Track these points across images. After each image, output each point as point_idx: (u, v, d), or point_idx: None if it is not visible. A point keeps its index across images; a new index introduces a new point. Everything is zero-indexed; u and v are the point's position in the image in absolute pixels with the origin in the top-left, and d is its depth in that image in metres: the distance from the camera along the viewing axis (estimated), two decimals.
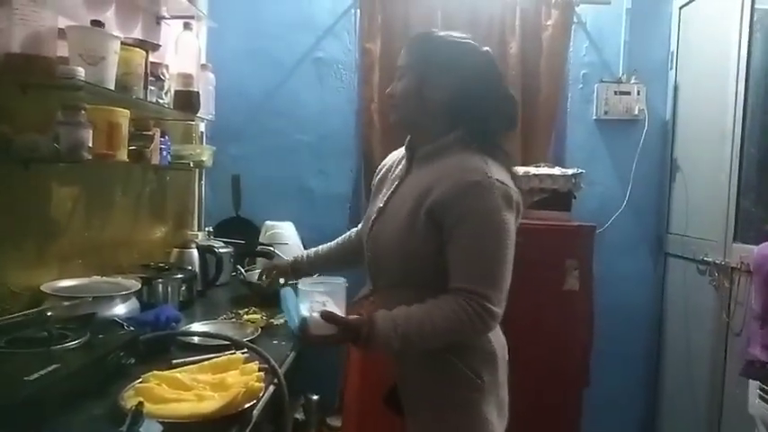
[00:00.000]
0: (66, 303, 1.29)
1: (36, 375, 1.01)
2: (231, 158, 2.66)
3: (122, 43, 1.66)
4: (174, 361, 1.32)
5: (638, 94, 2.74)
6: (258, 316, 1.78)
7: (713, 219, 2.34)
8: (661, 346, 2.80)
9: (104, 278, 1.65)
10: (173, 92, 2.05)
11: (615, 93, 2.75)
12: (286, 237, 2.45)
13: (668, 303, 2.77)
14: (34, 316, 1.14)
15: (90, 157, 1.50)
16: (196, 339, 1.49)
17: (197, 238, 2.24)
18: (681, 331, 2.64)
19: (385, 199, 1.30)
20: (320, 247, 1.68)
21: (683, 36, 2.73)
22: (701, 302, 2.43)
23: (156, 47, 1.95)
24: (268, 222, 2.52)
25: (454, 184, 1.14)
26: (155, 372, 1.19)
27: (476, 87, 1.22)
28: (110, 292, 1.50)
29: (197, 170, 2.56)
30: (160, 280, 1.74)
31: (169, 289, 1.74)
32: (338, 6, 2.75)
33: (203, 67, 2.34)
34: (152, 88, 1.86)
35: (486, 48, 1.28)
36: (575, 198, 2.42)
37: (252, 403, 1.12)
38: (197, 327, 1.62)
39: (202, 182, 2.71)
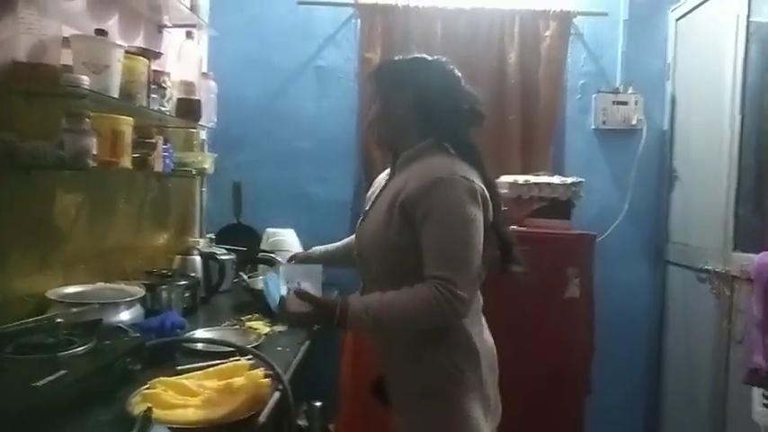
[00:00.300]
0: (74, 310, 1.29)
1: (44, 381, 1.01)
2: (232, 166, 2.67)
3: (125, 52, 1.67)
4: (179, 367, 1.33)
5: (636, 104, 2.77)
6: (261, 323, 1.79)
7: (712, 227, 2.35)
8: (662, 354, 2.81)
9: (109, 284, 1.65)
10: (175, 100, 2.06)
11: (613, 103, 2.78)
12: (287, 244, 2.45)
13: (668, 311, 2.78)
14: (44, 322, 1.14)
15: (94, 165, 1.51)
16: (200, 346, 1.49)
17: (199, 244, 2.24)
18: (682, 339, 2.65)
19: (371, 203, 1.41)
20: (328, 245, 1.75)
21: (679, 47, 2.76)
22: (701, 310, 2.44)
23: (158, 55, 1.96)
24: (269, 229, 2.53)
25: (421, 181, 1.23)
26: (161, 378, 1.19)
27: (431, 94, 1.32)
28: (115, 299, 1.50)
29: (198, 177, 2.56)
30: (164, 287, 1.74)
31: (173, 296, 1.75)
32: (339, 16, 2.78)
33: (204, 75, 2.35)
34: (154, 96, 1.87)
35: (437, 57, 1.38)
36: (574, 206, 2.44)
37: (258, 409, 1.12)
38: (201, 333, 1.62)
39: (203, 189, 2.72)
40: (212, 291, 2.10)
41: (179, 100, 2.07)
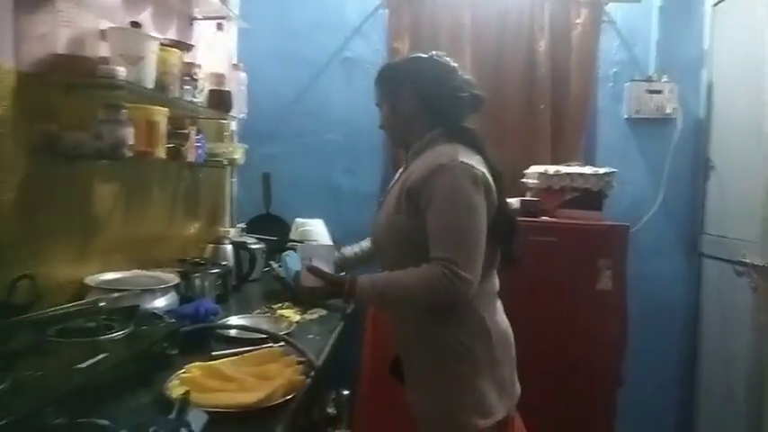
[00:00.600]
0: (114, 295, 1.32)
1: (86, 364, 1.04)
2: (261, 156, 2.69)
3: (159, 44, 1.70)
4: (214, 353, 1.35)
5: (670, 92, 2.70)
6: (292, 311, 1.80)
7: (750, 218, 2.29)
8: (697, 348, 2.75)
9: (144, 272, 1.69)
10: (206, 91, 2.08)
11: (646, 91, 2.71)
12: (316, 234, 2.47)
13: (704, 304, 2.72)
14: (87, 307, 1.17)
15: (131, 155, 1.54)
16: (234, 332, 1.52)
17: (229, 234, 2.27)
18: (717, 333, 2.59)
19: (386, 193, 1.48)
20: (355, 247, 1.75)
21: (716, 33, 2.68)
22: (737, 304, 2.38)
23: (189, 47, 1.99)
24: (298, 219, 2.55)
25: (425, 168, 1.30)
26: (197, 363, 1.21)
27: (430, 87, 1.39)
28: (151, 286, 1.54)
29: (229, 168, 2.60)
30: (197, 274, 1.77)
31: (206, 283, 1.78)
32: (366, 6, 2.77)
33: (235, 66, 2.38)
34: (187, 87, 1.89)
35: (431, 53, 1.44)
36: (606, 197, 2.40)
37: (292, 395, 1.14)
38: (234, 320, 1.65)
39: (234, 179, 2.75)
40: (243, 279, 2.13)
41: (210, 91, 2.10)
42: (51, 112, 1.47)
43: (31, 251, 1.42)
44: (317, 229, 2.49)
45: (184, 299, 1.65)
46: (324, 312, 1.82)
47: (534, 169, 2.45)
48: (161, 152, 1.74)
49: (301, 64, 2.78)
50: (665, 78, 2.71)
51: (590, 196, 2.36)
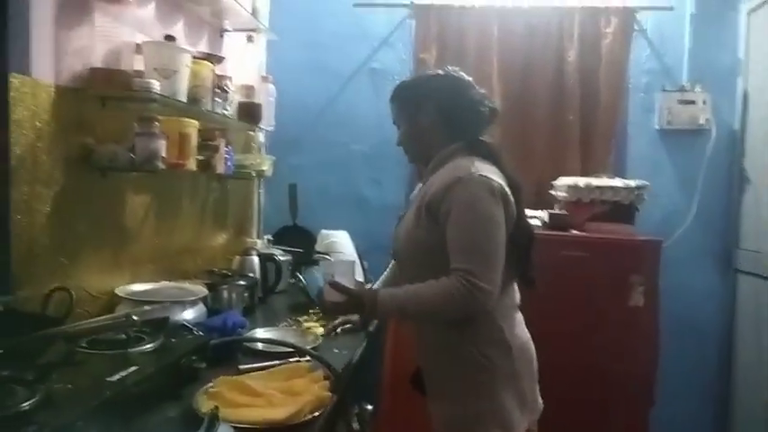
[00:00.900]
0: (146, 308, 1.34)
1: (116, 377, 1.04)
2: (288, 168, 2.71)
3: (192, 57, 1.72)
4: (242, 366, 1.35)
5: (704, 102, 2.64)
6: (318, 323, 1.80)
7: None
8: (731, 367, 2.66)
9: (172, 283, 1.70)
10: (236, 103, 2.10)
11: (679, 102, 2.66)
12: (341, 245, 2.47)
13: (739, 322, 2.64)
14: (121, 320, 1.18)
15: (163, 167, 1.56)
16: (260, 345, 1.51)
17: (256, 245, 2.28)
18: (753, 351, 2.50)
19: (406, 208, 1.50)
20: (383, 277, 1.73)
21: (752, 41, 2.61)
22: None
23: (220, 59, 2.01)
24: (324, 231, 2.55)
25: (443, 182, 1.31)
26: (225, 377, 1.21)
27: (450, 103, 1.42)
28: (179, 298, 1.55)
29: (256, 179, 2.62)
30: (225, 286, 1.78)
31: (233, 295, 1.78)
32: (393, 17, 2.78)
33: (264, 78, 2.40)
34: (218, 100, 1.92)
35: (446, 68, 1.48)
36: (637, 211, 2.34)
37: (319, 412, 1.13)
38: (261, 333, 1.65)
39: (261, 191, 2.77)
40: (269, 291, 2.13)
41: (240, 103, 2.12)
42: (87, 126, 1.50)
43: (64, 262, 1.45)
44: (341, 241, 2.49)
45: (212, 311, 1.66)
46: (348, 325, 1.80)
47: (563, 181, 2.41)
48: (192, 164, 1.76)
49: (328, 75, 2.80)
50: (698, 88, 2.65)
51: (621, 210, 2.31)
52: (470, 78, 1.45)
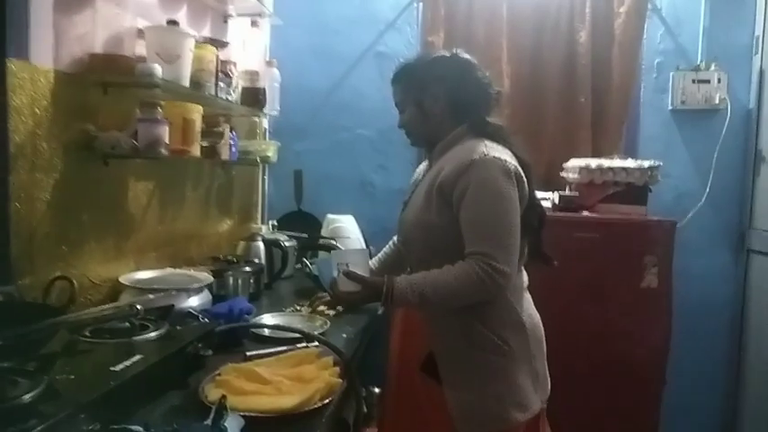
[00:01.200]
0: (150, 296, 1.32)
1: (121, 366, 1.02)
2: (293, 153, 2.68)
3: (195, 41, 1.69)
4: (249, 353, 1.34)
5: (719, 81, 2.57)
6: (325, 308, 1.78)
7: None
8: (743, 348, 2.64)
9: (177, 270, 1.69)
10: (240, 88, 2.07)
11: (693, 81, 2.59)
12: (347, 230, 2.44)
13: (751, 302, 2.60)
14: (125, 309, 1.16)
15: (167, 153, 1.53)
16: (267, 332, 1.50)
17: (261, 231, 2.27)
18: (765, 332, 2.47)
19: (411, 192, 1.48)
20: (379, 256, 1.73)
21: None
22: None
23: (224, 44, 1.97)
24: (329, 216, 2.53)
25: (457, 164, 1.29)
26: (233, 364, 1.20)
27: (459, 85, 1.39)
28: (184, 285, 1.53)
29: (261, 165, 2.59)
30: (230, 272, 1.76)
31: (239, 282, 1.77)
32: (400, 0, 2.72)
33: (268, 63, 2.37)
34: (222, 85, 1.89)
35: (452, 50, 1.45)
36: (650, 192, 2.30)
37: (329, 398, 1.11)
38: (268, 319, 1.63)
39: (265, 176, 2.75)
40: (275, 277, 2.12)
41: (244, 89, 2.09)
42: (88, 112, 1.47)
43: (67, 250, 1.43)
44: (347, 226, 2.46)
45: (217, 297, 1.64)
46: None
47: (574, 163, 2.37)
48: (196, 150, 1.73)
49: (334, 59, 2.75)
50: (713, 67, 2.58)
51: (634, 191, 2.27)
52: (475, 60, 1.42)
